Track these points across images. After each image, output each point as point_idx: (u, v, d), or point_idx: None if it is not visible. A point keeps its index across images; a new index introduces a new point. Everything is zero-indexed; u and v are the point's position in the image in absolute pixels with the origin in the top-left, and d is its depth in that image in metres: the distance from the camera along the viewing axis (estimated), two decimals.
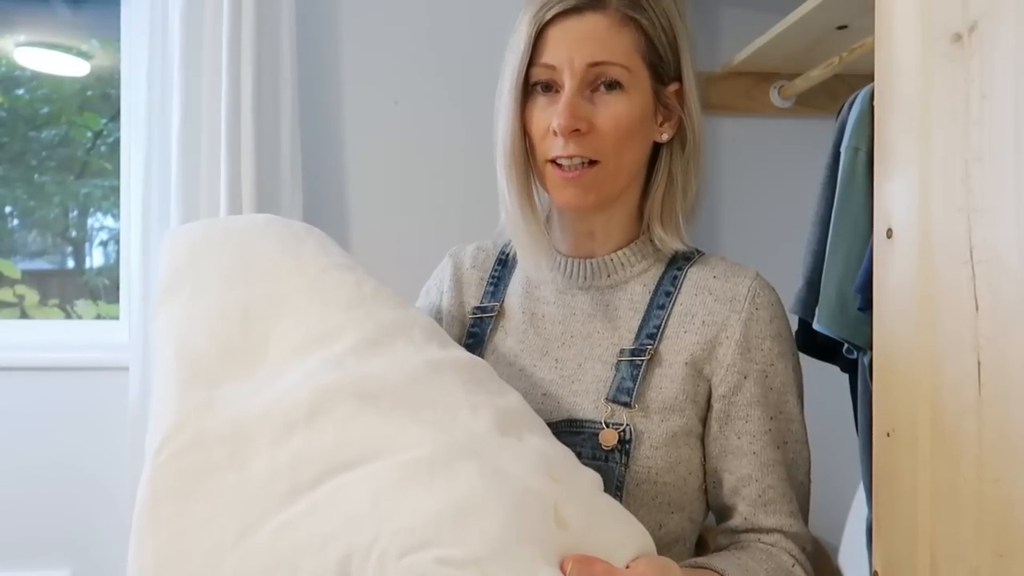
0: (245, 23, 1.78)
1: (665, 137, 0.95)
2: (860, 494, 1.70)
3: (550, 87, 0.91)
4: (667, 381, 0.91)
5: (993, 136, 0.75)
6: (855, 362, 1.38)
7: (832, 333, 1.32)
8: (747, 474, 0.92)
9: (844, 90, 1.85)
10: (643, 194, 0.98)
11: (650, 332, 0.93)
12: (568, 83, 0.89)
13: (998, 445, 0.74)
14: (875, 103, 0.95)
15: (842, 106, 1.41)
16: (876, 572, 0.93)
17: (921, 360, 0.85)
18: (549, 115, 0.90)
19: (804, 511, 0.96)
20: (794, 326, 1.47)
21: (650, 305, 0.95)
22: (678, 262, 0.98)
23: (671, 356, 0.92)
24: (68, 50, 2.10)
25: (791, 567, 0.91)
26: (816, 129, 1.95)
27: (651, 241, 0.98)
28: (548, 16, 0.89)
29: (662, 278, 0.97)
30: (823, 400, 1.70)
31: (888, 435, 0.91)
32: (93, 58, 2.13)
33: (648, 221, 0.97)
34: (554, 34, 0.89)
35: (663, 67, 0.93)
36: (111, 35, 2.03)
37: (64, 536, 1.86)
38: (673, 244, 0.96)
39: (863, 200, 1.29)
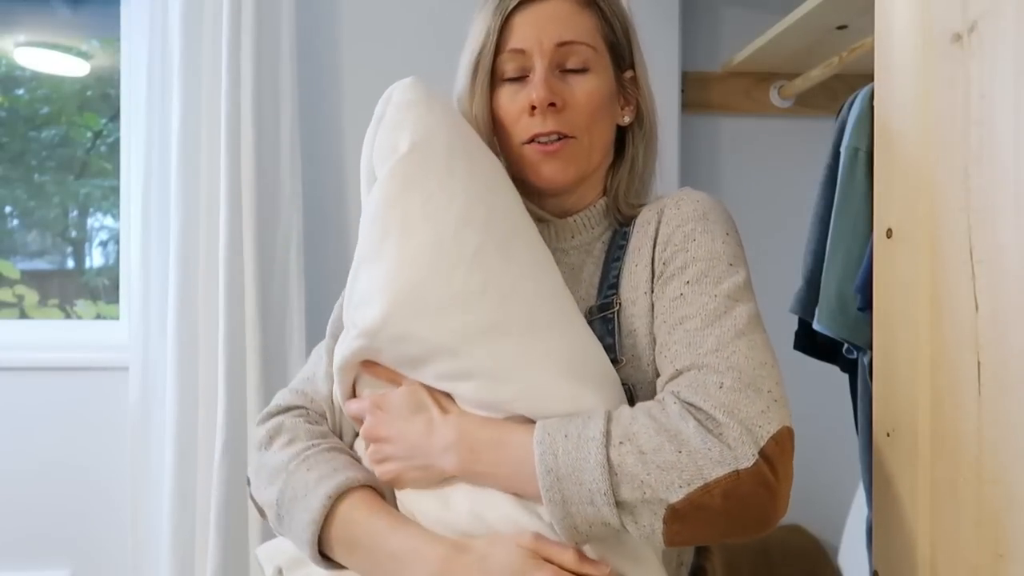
0: (245, 23, 1.78)
1: (627, 120, 0.99)
2: (860, 494, 1.70)
3: (518, 74, 0.93)
4: (638, 321, 0.89)
5: (993, 136, 0.75)
6: (855, 362, 1.38)
7: (832, 333, 1.32)
8: (659, 326, 0.85)
9: (844, 90, 1.86)
10: (606, 170, 1.01)
11: (611, 283, 0.93)
12: (539, 63, 0.91)
13: (998, 445, 0.74)
14: (875, 103, 0.95)
15: (842, 106, 1.41)
16: (876, 572, 0.93)
17: (921, 360, 0.85)
18: (521, 99, 0.92)
19: (742, 373, 0.77)
20: (794, 326, 1.48)
21: (607, 259, 0.96)
22: (627, 219, 0.99)
23: (632, 294, 0.90)
24: (68, 50, 2.10)
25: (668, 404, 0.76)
26: (816, 129, 1.95)
27: (606, 206, 0.99)
28: (513, 4, 0.92)
29: (615, 233, 0.98)
30: (823, 400, 1.70)
31: (888, 435, 0.91)
32: (93, 58, 2.13)
33: (612, 197, 0.99)
34: (520, 20, 0.92)
35: (621, 51, 0.97)
36: (111, 35, 2.03)
37: (64, 536, 1.86)
38: (632, 213, 0.98)
39: (863, 200, 1.29)
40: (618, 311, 0.90)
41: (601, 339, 0.89)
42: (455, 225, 0.83)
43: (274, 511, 0.87)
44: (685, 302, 0.83)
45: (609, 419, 0.75)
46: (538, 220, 0.98)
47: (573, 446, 0.74)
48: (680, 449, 0.72)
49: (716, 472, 0.71)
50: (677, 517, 0.72)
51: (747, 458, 0.72)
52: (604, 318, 0.90)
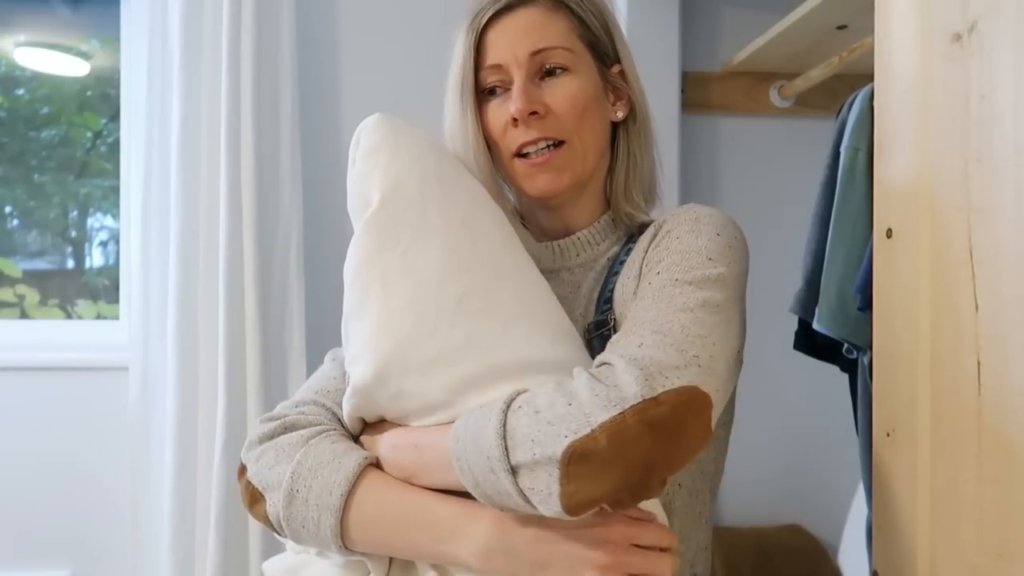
0: (245, 23, 1.78)
1: (620, 115, 0.98)
2: (860, 494, 1.70)
3: (499, 88, 0.94)
4: None
5: (993, 136, 0.75)
6: (855, 362, 1.38)
7: (832, 333, 1.32)
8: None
9: (844, 90, 1.85)
10: (605, 176, 1.00)
11: (606, 298, 0.92)
12: (516, 75, 0.92)
13: (998, 445, 0.74)
14: (875, 103, 0.95)
15: (842, 106, 1.41)
16: (876, 572, 0.93)
17: (921, 360, 0.85)
18: (505, 111, 0.92)
19: (668, 335, 0.75)
20: (794, 326, 1.48)
21: (607, 274, 0.95)
22: (635, 236, 0.98)
23: (623, 309, 0.89)
24: (68, 50, 2.10)
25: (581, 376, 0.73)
26: (816, 129, 1.95)
27: (612, 220, 0.99)
28: (484, 20, 0.93)
29: (620, 250, 0.97)
30: (823, 400, 1.70)
31: (888, 435, 0.91)
32: (93, 58, 2.13)
33: (614, 200, 0.99)
34: (493, 35, 0.93)
35: (602, 48, 0.97)
36: (111, 35, 2.03)
37: (64, 536, 1.86)
38: (640, 217, 0.98)
39: (863, 200, 1.29)
40: (614, 327, 0.89)
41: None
42: (436, 276, 0.82)
43: (287, 486, 0.81)
44: (650, 288, 0.82)
45: (519, 391, 0.74)
46: (540, 240, 0.98)
47: (476, 417, 0.73)
48: (571, 401, 0.69)
49: (602, 416, 0.67)
50: (569, 475, 0.66)
51: (634, 396, 0.67)
52: (602, 335, 0.89)
